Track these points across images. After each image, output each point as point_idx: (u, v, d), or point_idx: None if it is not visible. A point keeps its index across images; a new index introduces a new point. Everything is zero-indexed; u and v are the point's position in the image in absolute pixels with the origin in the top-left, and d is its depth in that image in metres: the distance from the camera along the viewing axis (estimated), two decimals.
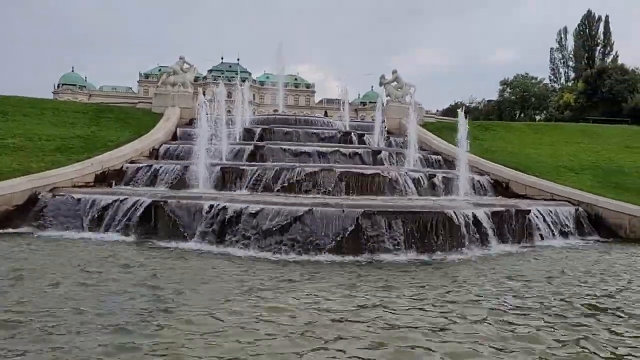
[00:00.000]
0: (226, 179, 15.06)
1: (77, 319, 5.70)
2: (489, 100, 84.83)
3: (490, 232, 12.02)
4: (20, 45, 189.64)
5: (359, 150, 18.54)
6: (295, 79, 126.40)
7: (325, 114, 64.73)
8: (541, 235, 13.24)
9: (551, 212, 14.11)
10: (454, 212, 11.36)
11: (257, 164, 16.09)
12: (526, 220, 13.18)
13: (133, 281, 7.64)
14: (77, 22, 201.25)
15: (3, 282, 7.31)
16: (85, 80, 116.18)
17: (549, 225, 13.66)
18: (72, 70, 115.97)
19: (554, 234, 13.59)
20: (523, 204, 14.09)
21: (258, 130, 20.83)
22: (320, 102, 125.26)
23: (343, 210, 10.75)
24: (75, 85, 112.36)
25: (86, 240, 11.36)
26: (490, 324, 5.93)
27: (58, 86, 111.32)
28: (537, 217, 13.50)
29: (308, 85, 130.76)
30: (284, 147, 17.90)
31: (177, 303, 6.45)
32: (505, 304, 6.84)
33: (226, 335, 5.32)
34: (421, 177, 15.66)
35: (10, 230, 12.29)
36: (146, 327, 5.51)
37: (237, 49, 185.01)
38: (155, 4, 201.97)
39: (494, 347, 5.16)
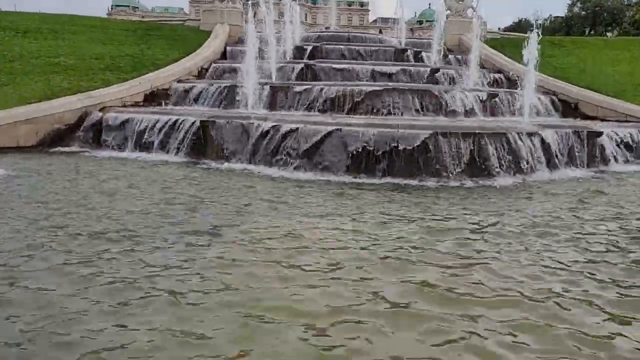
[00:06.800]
0: (275, 98, 14.52)
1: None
2: (555, 17, 79.08)
3: (556, 155, 11.21)
4: None
5: (416, 69, 17.45)
6: None
7: (380, 34, 62.09)
8: (615, 160, 12.21)
9: (626, 134, 12.93)
10: (517, 134, 10.57)
11: (308, 82, 15.42)
12: (597, 143, 12.15)
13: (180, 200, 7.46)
14: None
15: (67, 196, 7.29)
16: (138, 2, 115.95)
17: (622, 149, 12.57)
18: None
19: (628, 159, 12.50)
20: (594, 126, 12.98)
21: (309, 49, 19.94)
22: (375, 21, 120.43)
23: (398, 130, 10.12)
24: (128, 6, 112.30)
25: (135, 159, 11.29)
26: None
27: (112, 8, 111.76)
28: (609, 139, 12.42)
29: (362, 4, 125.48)
30: (335, 65, 17.05)
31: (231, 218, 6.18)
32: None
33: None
34: (483, 96, 14.60)
35: (63, 149, 12.39)
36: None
37: None
38: None
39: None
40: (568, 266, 5.00)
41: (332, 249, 5.37)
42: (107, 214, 6.55)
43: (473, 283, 4.52)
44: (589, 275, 4.79)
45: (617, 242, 5.86)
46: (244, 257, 5.04)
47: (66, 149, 12.36)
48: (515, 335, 3.63)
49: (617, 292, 4.42)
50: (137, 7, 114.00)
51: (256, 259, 5.00)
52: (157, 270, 4.65)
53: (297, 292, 4.23)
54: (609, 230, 6.33)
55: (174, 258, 4.96)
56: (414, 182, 9.44)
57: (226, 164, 10.86)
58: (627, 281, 4.67)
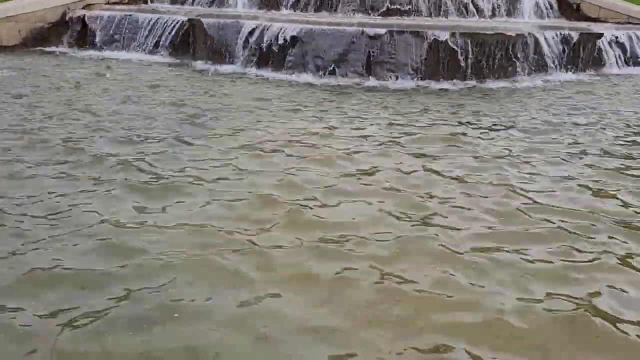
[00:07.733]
0: None
1: None
2: None
3: (553, 58, 11.04)
4: None
5: None
6: None
7: None
8: (615, 63, 12.05)
9: (626, 36, 12.63)
10: (513, 34, 10.35)
11: None
12: (597, 45, 11.91)
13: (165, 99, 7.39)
14: None
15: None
16: None
17: (621, 52, 12.35)
18: None
19: (626, 62, 12.31)
20: (594, 27, 12.65)
21: None
22: None
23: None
24: None
25: (120, 60, 11.00)
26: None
27: None
28: (609, 42, 12.16)
29: None
30: None
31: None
32: None
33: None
34: None
35: (47, 48, 12.02)
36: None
37: None
38: None
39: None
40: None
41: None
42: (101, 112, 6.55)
43: None
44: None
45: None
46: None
47: (50, 48, 11.99)
48: None
49: None
50: None
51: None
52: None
53: None
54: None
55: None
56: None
57: (215, 66, 10.63)
58: None
